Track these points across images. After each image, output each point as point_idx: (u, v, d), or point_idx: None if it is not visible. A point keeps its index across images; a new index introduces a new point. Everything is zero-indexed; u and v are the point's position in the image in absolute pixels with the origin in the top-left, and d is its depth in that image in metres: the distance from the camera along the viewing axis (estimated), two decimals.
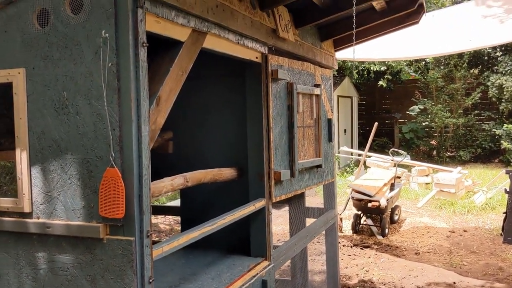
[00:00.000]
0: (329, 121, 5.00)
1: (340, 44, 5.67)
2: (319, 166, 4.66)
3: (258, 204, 3.66)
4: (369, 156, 13.71)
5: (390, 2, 4.71)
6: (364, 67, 17.30)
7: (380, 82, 17.59)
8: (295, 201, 5.58)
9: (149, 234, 2.35)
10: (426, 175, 13.09)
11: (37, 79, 2.42)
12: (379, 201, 8.98)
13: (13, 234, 2.52)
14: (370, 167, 12.95)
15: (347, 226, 9.78)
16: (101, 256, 2.33)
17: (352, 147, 17.16)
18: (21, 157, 2.45)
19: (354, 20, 3.81)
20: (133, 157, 2.28)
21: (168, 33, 2.55)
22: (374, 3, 4.49)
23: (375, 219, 10.03)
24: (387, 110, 21.23)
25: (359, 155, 15.24)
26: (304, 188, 4.44)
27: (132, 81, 2.26)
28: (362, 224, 9.78)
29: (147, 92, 2.36)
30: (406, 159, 12.00)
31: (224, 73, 4.09)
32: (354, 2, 3.54)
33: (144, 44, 2.31)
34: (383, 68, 16.72)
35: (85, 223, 2.35)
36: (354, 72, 17.05)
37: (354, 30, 3.96)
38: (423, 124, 18.51)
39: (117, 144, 2.27)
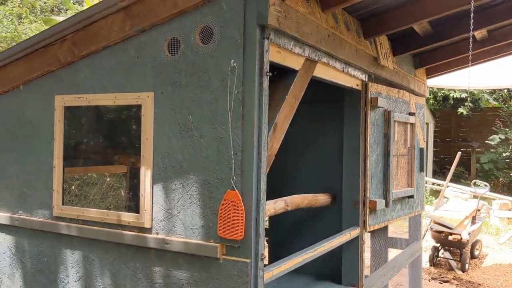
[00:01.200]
0: (421, 150, 4.89)
1: (432, 72, 5.57)
2: (411, 196, 4.55)
3: (353, 232, 3.63)
4: (447, 186, 13.17)
5: (491, 32, 4.58)
6: (443, 93, 16.74)
7: (460, 110, 16.93)
8: (379, 230, 5.47)
9: (263, 257, 2.41)
10: (509, 209, 12.36)
11: (164, 103, 2.57)
12: (460, 235, 8.59)
13: (132, 248, 2.66)
14: (448, 198, 12.44)
15: (423, 258, 9.40)
16: (216, 276, 2.41)
17: (426, 175, 16.58)
18: (145, 175, 2.60)
19: (470, 46, 3.73)
20: (253, 181, 2.36)
21: (286, 63, 2.64)
22: (475, 33, 4.38)
23: (454, 253, 9.59)
24: (464, 138, 20.34)
25: (433, 183, 14.69)
26: (396, 218, 4.35)
27: (256, 108, 2.36)
28: (440, 257, 9.38)
29: (267, 119, 2.44)
30: (487, 192, 11.43)
31: (321, 98, 4.13)
32: (471, 30, 3.48)
33: (268, 74, 2.40)
34: (464, 95, 16.11)
35: (203, 242, 2.44)
36: (430, 98, 16.53)
37: (470, 53, 3.88)
38: (504, 154, 17.55)
39: (238, 168, 2.36)
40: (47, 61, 2.93)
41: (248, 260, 2.34)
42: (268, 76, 2.40)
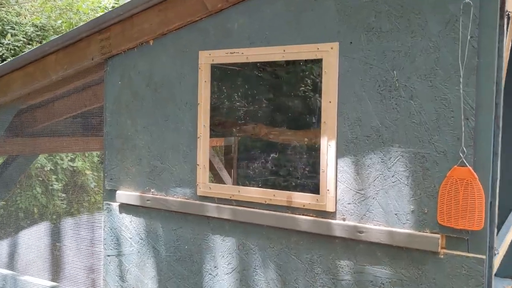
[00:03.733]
0: None
1: None
2: None
3: None
4: None
5: None
6: None
7: None
8: None
9: (496, 252, 1.89)
10: None
11: (354, 56, 2.04)
12: None
13: (307, 235, 2.17)
14: None
15: None
16: (433, 274, 1.90)
17: None
18: (328, 147, 2.09)
19: None
20: (490, 154, 1.82)
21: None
22: None
23: None
24: None
25: None
26: None
27: (495, 58, 1.80)
28: None
29: (505, 72, 1.88)
30: None
31: None
32: None
33: (509, 14, 1.83)
34: None
35: (414, 232, 1.93)
36: None
37: None
38: None
39: (469, 138, 1.82)
40: (187, 11, 2.42)
41: (483, 257, 1.82)
42: (509, 18, 1.83)
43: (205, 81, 2.39)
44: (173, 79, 2.52)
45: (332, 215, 2.11)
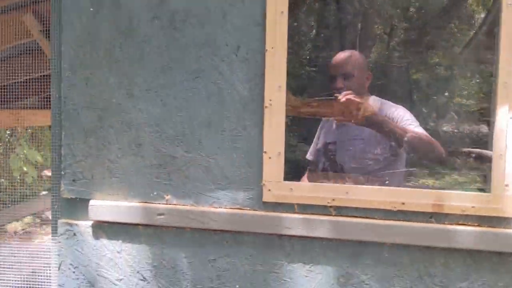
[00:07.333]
0: None
1: None
2: None
3: None
4: None
5: None
6: None
7: None
8: None
9: None
10: None
11: None
12: None
13: (464, 255, 1.42)
14: None
15: None
16: None
17: None
18: (509, 121, 1.37)
19: None
20: None
21: None
22: None
23: None
24: None
25: None
26: None
27: None
28: None
29: None
30: None
31: None
32: None
33: None
34: None
35: None
36: None
37: None
38: None
39: None
40: None
41: None
42: None
43: (282, 12, 1.43)
44: (210, 10, 1.48)
45: None
